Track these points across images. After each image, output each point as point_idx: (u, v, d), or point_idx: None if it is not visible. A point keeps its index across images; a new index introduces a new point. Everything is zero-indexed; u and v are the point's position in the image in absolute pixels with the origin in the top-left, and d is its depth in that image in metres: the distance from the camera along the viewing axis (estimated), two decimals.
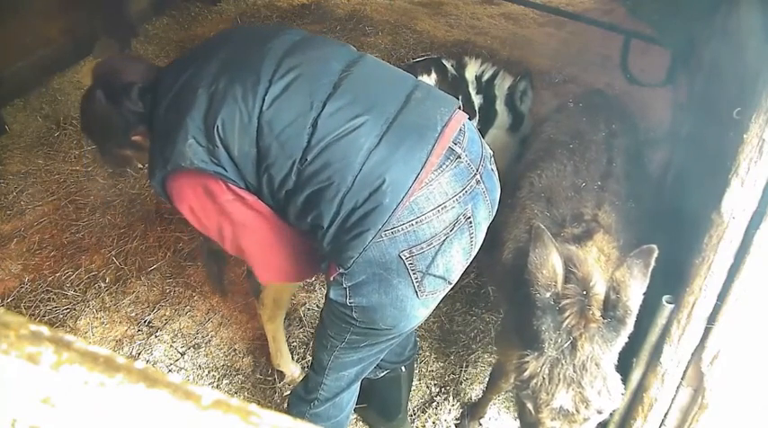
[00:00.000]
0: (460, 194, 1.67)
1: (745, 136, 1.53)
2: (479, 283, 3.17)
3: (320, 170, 1.61)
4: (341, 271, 1.68)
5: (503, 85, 3.16)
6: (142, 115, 1.81)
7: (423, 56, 3.51)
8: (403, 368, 2.38)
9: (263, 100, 1.62)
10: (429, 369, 2.85)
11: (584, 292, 1.71)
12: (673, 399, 2.07)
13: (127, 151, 1.94)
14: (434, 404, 2.71)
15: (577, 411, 1.73)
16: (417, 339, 2.77)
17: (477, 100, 3.14)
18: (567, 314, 1.70)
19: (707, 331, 1.83)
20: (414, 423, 2.65)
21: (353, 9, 5.44)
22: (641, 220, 2.14)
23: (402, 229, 1.62)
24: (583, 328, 1.69)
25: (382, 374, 2.37)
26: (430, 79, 2.99)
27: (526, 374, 1.74)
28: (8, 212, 3.50)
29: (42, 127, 4.06)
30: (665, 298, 1.94)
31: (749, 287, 1.67)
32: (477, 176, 1.72)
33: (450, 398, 2.73)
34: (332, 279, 1.73)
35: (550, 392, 1.71)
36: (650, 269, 1.69)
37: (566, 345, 1.70)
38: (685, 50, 2.98)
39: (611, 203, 2.09)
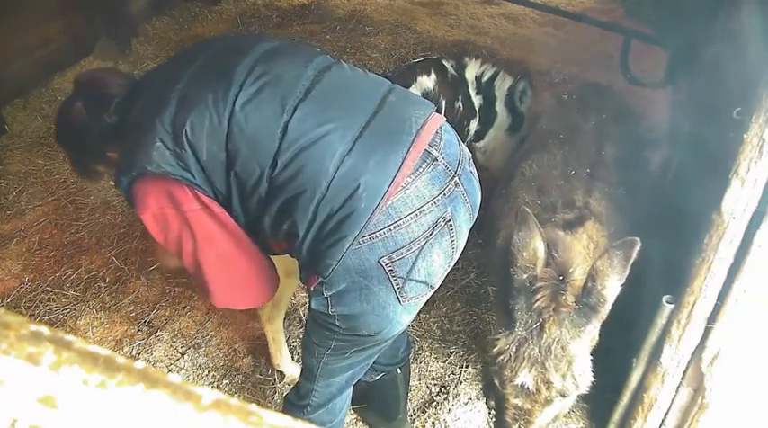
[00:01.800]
0: (438, 197, 1.65)
1: (745, 136, 1.53)
2: (479, 283, 3.17)
3: (293, 176, 1.58)
4: (320, 280, 1.66)
5: (503, 86, 3.16)
6: (117, 128, 1.77)
7: (423, 56, 3.52)
8: (398, 369, 2.38)
9: (234, 104, 1.59)
10: (429, 369, 2.85)
11: (561, 277, 1.74)
12: (673, 399, 2.07)
13: (99, 165, 1.91)
14: (434, 404, 2.71)
15: (538, 391, 1.76)
16: (410, 339, 2.77)
17: (477, 100, 3.14)
18: (538, 296, 1.73)
19: (707, 331, 1.84)
20: (414, 423, 2.65)
21: (353, 9, 5.44)
22: (633, 208, 2.15)
23: (380, 235, 1.59)
24: (552, 311, 1.72)
25: (378, 377, 2.37)
26: (429, 79, 3.00)
27: (495, 350, 1.80)
28: (8, 212, 3.51)
29: (42, 127, 4.06)
30: (665, 298, 1.94)
31: (749, 287, 1.67)
32: (456, 179, 1.69)
33: (450, 398, 2.73)
34: (312, 288, 1.70)
35: (514, 369, 1.76)
36: (631, 261, 1.69)
37: (534, 326, 1.74)
38: (685, 50, 2.98)
39: (601, 191, 2.11)
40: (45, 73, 4.38)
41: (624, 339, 2.72)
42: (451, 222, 1.68)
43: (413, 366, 2.81)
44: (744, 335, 1.77)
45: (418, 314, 2.98)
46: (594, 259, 1.77)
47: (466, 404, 2.72)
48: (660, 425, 2.15)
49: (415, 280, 1.67)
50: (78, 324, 2.97)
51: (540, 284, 1.75)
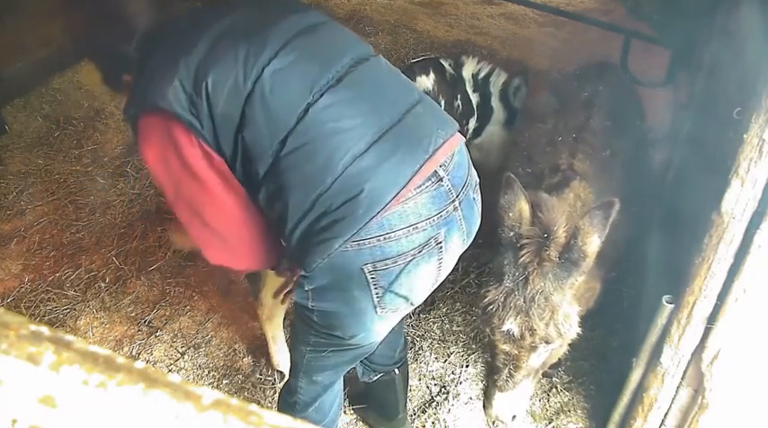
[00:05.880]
0: (435, 217, 1.61)
1: (745, 136, 1.53)
2: (479, 283, 3.17)
3: (300, 163, 1.54)
4: (302, 273, 1.63)
5: (498, 82, 3.18)
6: (136, 59, 1.71)
7: (422, 56, 3.52)
8: (396, 370, 2.38)
9: (263, 69, 1.54)
10: (429, 369, 2.85)
11: (546, 235, 1.89)
12: (673, 399, 2.07)
13: (119, 75, 1.83)
14: (434, 404, 2.71)
15: (522, 337, 1.95)
16: (409, 340, 2.77)
17: (474, 98, 3.16)
18: (523, 251, 1.89)
19: (707, 331, 1.84)
20: (414, 423, 2.65)
21: (353, 9, 5.44)
22: (618, 169, 2.32)
23: (369, 243, 1.56)
24: (537, 265, 1.89)
25: (376, 377, 2.37)
26: (428, 79, 3.00)
27: (485, 301, 1.98)
28: (8, 212, 3.50)
29: (42, 127, 4.06)
30: (665, 298, 1.94)
31: (749, 287, 1.67)
32: (456, 202, 1.66)
33: (450, 398, 2.73)
34: (295, 279, 1.69)
35: (502, 318, 1.95)
36: (610, 220, 1.82)
37: (520, 279, 1.91)
38: (685, 50, 2.98)
39: (584, 152, 2.27)
40: (45, 73, 4.37)
41: (624, 339, 2.72)
42: (442, 244, 1.65)
43: (413, 366, 2.81)
44: (744, 335, 1.76)
45: (418, 314, 3.01)
46: (577, 219, 1.92)
47: (466, 404, 2.72)
48: (660, 425, 2.15)
49: (395, 293, 1.64)
50: (78, 324, 2.97)
51: (525, 241, 1.91)
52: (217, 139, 1.59)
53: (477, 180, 1.81)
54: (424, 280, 1.68)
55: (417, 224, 1.59)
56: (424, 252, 1.62)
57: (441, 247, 1.65)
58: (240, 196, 1.67)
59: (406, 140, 1.59)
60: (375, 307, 1.65)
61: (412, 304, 1.73)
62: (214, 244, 1.74)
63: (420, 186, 1.59)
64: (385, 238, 1.56)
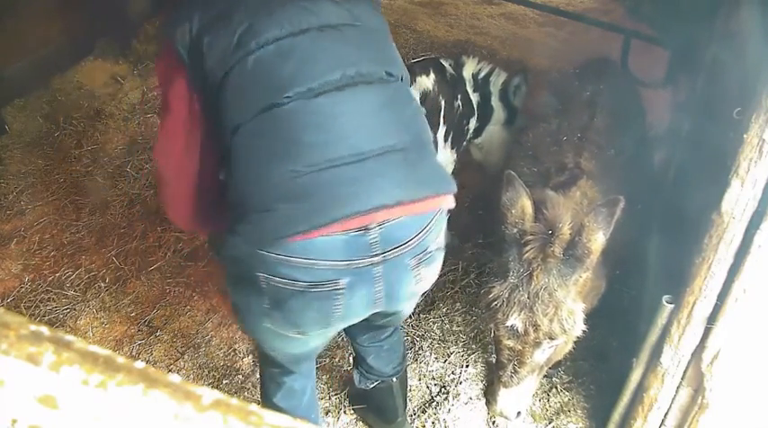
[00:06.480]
0: (339, 264, 1.52)
1: (745, 136, 1.53)
2: (479, 283, 3.17)
3: (243, 156, 1.54)
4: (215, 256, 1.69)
5: (498, 82, 3.19)
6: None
7: (422, 56, 3.52)
8: (394, 378, 2.38)
9: (251, 52, 1.51)
10: (429, 369, 2.85)
11: (550, 232, 1.90)
12: (673, 399, 2.07)
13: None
14: (434, 404, 2.71)
15: (526, 333, 1.96)
16: (407, 348, 2.76)
17: (474, 98, 3.16)
18: (527, 248, 1.90)
19: (707, 331, 1.84)
20: (414, 423, 2.65)
21: None
22: (622, 168, 2.34)
23: (270, 257, 1.52)
24: (541, 261, 1.89)
25: (373, 385, 2.37)
26: (428, 79, 3.00)
27: (490, 296, 1.99)
28: (8, 212, 3.50)
29: (42, 127, 4.06)
30: (665, 298, 1.94)
31: (749, 287, 1.67)
32: (375, 259, 1.55)
33: (450, 398, 2.73)
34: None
35: (506, 313, 1.96)
36: (615, 217, 1.83)
37: (524, 275, 1.92)
38: (685, 51, 2.98)
39: (590, 151, 2.29)
40: (45, 73, 4.37)
41: (624, 339, 2.72)
42: (342, 292, 1.57)
43: (413, 366, 2.81)
44: (744, 335, 1.77)
45: (418, 314, 3.01)
46: (582, 216, 1.93)
47: (466, 404, 2.72)
48: (660, 425, 2.15)
49: (282, 313, 1.62)
50: (78, 324, 2.97)
51: (528, 237, 1.92)
52: (204, 90, 1.61)
53: (431, 252, 1.67)
54: (312, 315, 1.63)
55: (318, 261, 1.52)
56: (318, 290, 1.56)
57: (340, 294, 1.58)
58: (189, 159, 1.70)
59: (351, 183, 1.49)
60: (265, 317, 1.65)
61: (300, 333, 1.70)
62: (160, 167, 1.78)
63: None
64: (284, 260, 1.52)
